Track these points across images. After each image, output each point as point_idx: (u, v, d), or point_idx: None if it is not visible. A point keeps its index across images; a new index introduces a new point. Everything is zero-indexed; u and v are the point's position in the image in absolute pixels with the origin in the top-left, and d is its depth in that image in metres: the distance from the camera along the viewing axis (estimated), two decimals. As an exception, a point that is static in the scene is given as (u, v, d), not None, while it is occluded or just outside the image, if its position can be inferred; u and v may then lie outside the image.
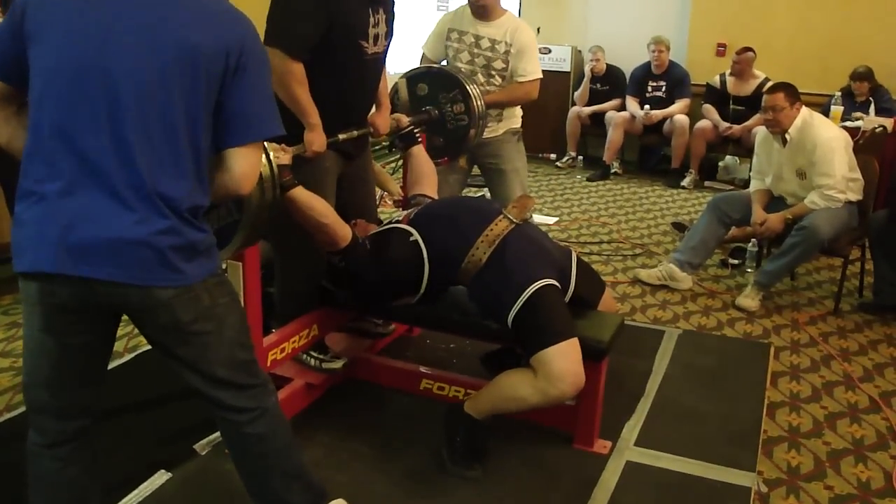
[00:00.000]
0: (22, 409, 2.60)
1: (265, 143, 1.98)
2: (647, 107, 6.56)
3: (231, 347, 1.73)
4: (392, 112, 3.08)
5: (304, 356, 2.77)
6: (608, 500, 2.34)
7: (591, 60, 6.84)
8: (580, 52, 7.29)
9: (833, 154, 3.73)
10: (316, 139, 2.52)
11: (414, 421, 2.72)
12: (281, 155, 2.23)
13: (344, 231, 2.50)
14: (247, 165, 1.64)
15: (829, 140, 3.76)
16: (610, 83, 6.89)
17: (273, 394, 1.87)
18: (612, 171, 6.79)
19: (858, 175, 3.86)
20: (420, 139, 3.13)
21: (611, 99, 6.84)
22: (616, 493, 2.38)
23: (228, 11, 1.62)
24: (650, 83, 6.65)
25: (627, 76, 6.87)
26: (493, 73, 3.57)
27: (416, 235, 2.51)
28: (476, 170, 3.95)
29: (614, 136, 6.62)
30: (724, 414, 2.82)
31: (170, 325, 1.63)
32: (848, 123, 5.00)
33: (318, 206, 2.43)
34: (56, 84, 1.50)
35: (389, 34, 2.72)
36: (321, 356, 2.79)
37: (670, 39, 6.61)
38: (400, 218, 2.66)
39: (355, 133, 2.80)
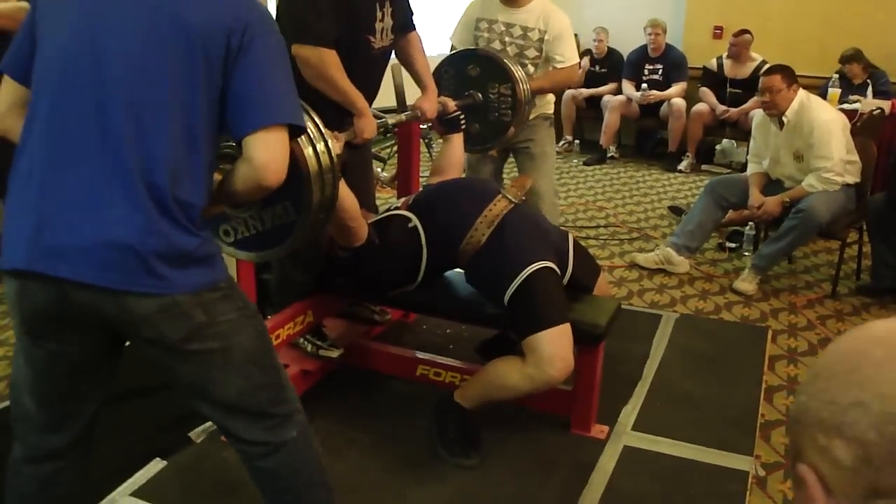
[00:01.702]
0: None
1: (324, 131, 1.87)
2: (644, 86, 6.53)
3: (243, 369, 1.57)
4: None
5: (302, 341, 2.75)
6: (605, 485, 2.34)
7: (595, 41, 6.78)
8: (576, 34, 7.23)
9: (830, 136, 3.72)
10: (367, 125, 2.49)
11: (410, 407, 2.71)
12: (333, 143, 2.01)
13: (363, 232, 2.46)
14: (266, 153, 1.47)
15: (826, 122, 3.74)
16: (608, 66, 6.84)
17: (298, 425, 1.70)
18: (609, 155, 6.75)
19: (856, 157, 3.85)
20: (464, 126, 3.06)
21: (608, 82, 6.80)
22: (613, 477, 2.38)
23: None
24: (647, 66, 6.60)
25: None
26: (526, 61, 3.43)
27: (415, 221, 2.49)
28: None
29: (611, 120, 6.59)
30: (722, 398, 2.82)
31: (156, 341, 1.49)
32: (845, 106, 4.99)
33: (350, 206, 2.36)
34: (51, 72, 1.45)
35: (399, 25, 2.68)
36: (319, 342, 2.78)
37: (667, 22, 6.55)
38: (399, 204, 2.65)
39: (403, 117, 2.77)
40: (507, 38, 3.43)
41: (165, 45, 1.42)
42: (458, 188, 2.68)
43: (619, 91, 6.71)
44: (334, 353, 2.78)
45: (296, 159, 1.80)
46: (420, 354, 2.89)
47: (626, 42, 6.79)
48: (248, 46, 1.46)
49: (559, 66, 3.44)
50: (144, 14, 1.43)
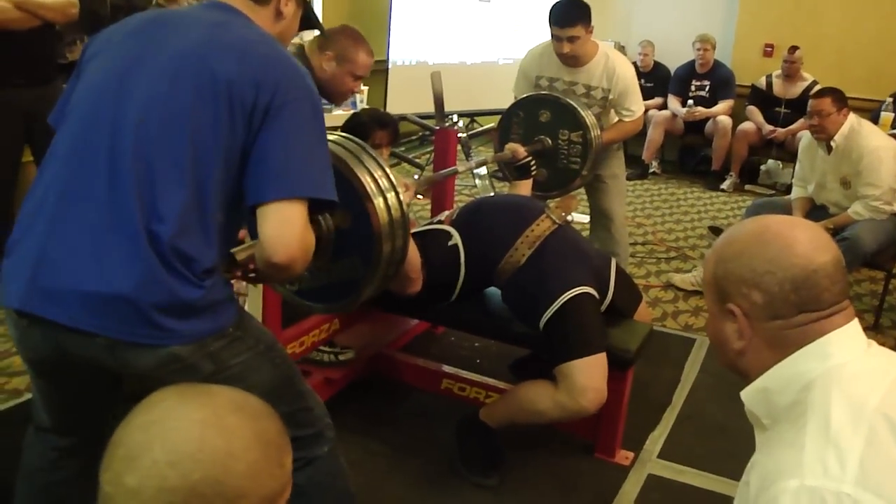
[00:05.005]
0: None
1: (394, 181, 1.79)
2: (690, 102, 6.42)
3: None
4: (507, 139, 3.15)
5: (316, 354, 2.72)
6: (627, 514, 2.29)
7: (640, 55, 6.69)
8: (623, 47, 7.15)
9: (881, 164, 3.60)
10: None
11: (432, 421, 2.68)
12: (404, 194, 1.89)
13: (419, 284, 2.41)
14: (274, 227, 1.37)
15: (876, 149, 3.62)
16: (655, 80, 6.73)
17: (328, 442, 1.68)
18: (651, 170, 6.66)
19: (906, 186, 3.73)
20: (535, 173, 3.06)
21: (654, 97, 6.68)
22: (636, 506, 2.32)
23: (270, 54, 1.44)
24: (694, 82, 6.50)
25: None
26: None
27: (456, 237, 2.45)
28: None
29: (654, 135, 6.49)
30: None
31: None
32: (897, 131, 4.85)
33: (413, 258, 2.31)
34: (76, 110, 1.43)
35: None
36: (334, 349, 2.77)
37: (716, 38, 6.45)
38: (443, 218, 2.62)
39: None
40: (570, 97, 3.34)
41: (189, 92, 1.37)
42: (502, 206, 2.63)
43: (664, 106, 6.62)
44: (350, 354, 2.78)
45: (366, 212, 1.75)
46: (446, 368, 2.86)
47: (674, 56, 6.69)
48: (279, 111, 1.39)
49: (627, 119, 3.39)
50: (174, 61, 1.40)
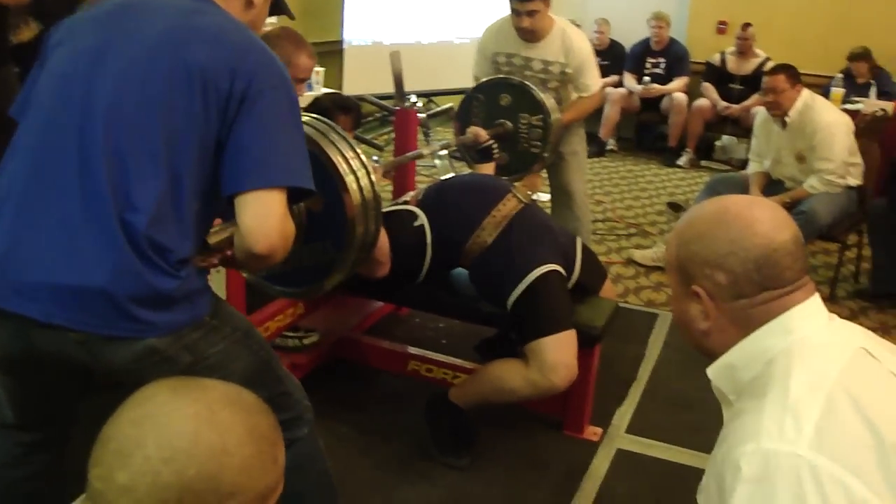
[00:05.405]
0: None
1: (365, 162, 1.77)
2: (646, 79, 6.46)
3: None
4: (468, 123, 3.11)
5: (281, 340, 2.69)
6: (598, 489, 2.31)
7: (596, 32, 6.69)
8: (579, 25, 7.13)
9: (833, 139, 3.67)
10: None
11: (401, 403, 2.67)
12: (375, 175, 1.89)
13: (388, 267, 2.38)
14: (254, 217, 1.34)
15: (829, 125, 3.69)
16: (610, 58, 6.74)
17: (307, 424, 1.67)
18: (608, 148, 6.69)
19: (859, 160, 3.80)
20: (497, 157, 3.05)
21: (609, 75, 6.68)
22: (606, 481, 2.34)
23: (245, 42, 1.40)
24: (649, 60, 6.54)
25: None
26: (548, 91, 3.35)
27: (423, 219, 2.42)
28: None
29: (611, 113, 6.52)
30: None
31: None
32: (848, 106, 4.94)
33: (384, 243, 2.28)
34: (41, 99, 1.37)
35: None
36: (298, 334, 2.74)
37: (671, 15, 6.48)
38: (408, 198, 2.60)
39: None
40: (527, 72, 3.35)
41: (162, 79, 1.33)
42: (468, 186, 2.61)
43: (619, 84, 6.64)
44: (315, 337, 2.77)
45: (339, 194, 1.72)
46: (412, 349, 2.85)
47: (629, 34, 6.71)
48: (256, 99, 1.35)
49: (585, 95, 3.40)
50: (145, 48, 1.35)
